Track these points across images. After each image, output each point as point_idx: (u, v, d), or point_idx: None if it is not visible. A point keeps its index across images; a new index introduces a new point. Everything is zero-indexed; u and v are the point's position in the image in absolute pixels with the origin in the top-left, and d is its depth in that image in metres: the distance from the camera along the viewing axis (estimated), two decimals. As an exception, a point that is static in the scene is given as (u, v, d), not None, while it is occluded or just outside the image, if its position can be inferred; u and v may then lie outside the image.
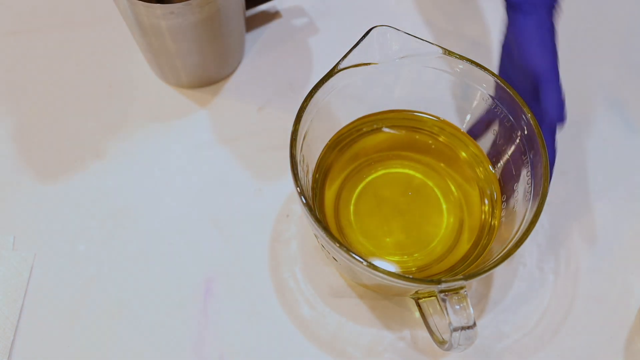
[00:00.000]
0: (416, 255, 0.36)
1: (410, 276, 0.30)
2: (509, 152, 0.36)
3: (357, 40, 0.34)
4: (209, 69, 0.42)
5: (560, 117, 0.35)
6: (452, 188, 0.38)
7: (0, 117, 0.43)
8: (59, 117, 0.43)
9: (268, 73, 0.44)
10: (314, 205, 0.35)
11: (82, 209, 0.40)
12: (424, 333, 0.36)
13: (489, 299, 0.38)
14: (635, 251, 0.39)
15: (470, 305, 0.30)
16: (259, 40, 0.46)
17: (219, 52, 0.41)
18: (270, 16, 0.47)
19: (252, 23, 0.46)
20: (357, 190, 0.37)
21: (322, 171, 0.37)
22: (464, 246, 0.36)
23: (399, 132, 0.39)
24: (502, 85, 0.34)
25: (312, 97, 0.33)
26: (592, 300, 0.38)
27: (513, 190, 0.35)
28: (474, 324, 0.30)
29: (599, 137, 0.43)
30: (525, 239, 0.31)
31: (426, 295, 0.33)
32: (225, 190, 0.40)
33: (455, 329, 0.29)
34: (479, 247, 0.35)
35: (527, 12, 0.35)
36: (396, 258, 0.36)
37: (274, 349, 0.36)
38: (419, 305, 0.34)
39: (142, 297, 0.37)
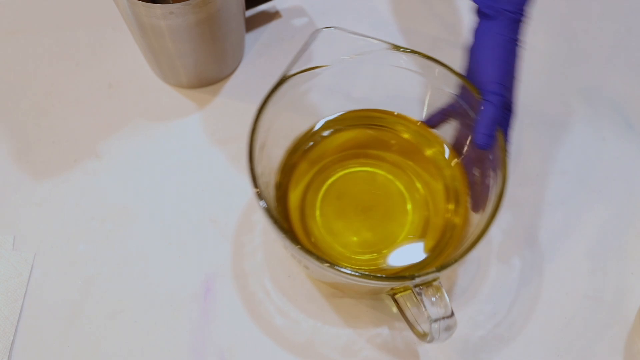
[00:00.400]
0: (384, 252, 0.36)
1: (383, 275, 0.30)
2: (469, 145, 0.36)
3: (302, 45, 0.33)
4: (208, 69, 0.42)
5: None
6: (417, 184, 0.38)
7: (0, 117, 0.43)
8: (59, 117, 0.43)
9: (268, 73, 0.44)
10: (277, 210, 0.35)
11: (82, 209, 0.40)
12: (400, 327, 0.36)
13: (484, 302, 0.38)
14: (635, 251, 0.39)
15: (445, 295, 0.30)
16: (259, 40, 0.46)
17: (219, 52, 0.41)
18: (270, 16, 0.47)
19: (252, 23, 0.46)
20: (322, 192, 0.37)
21: (286, 174, 0.37)
22: (430, 241, 0.36)
23: (361, 131, 0.39)
24: (455, 76, 0.34)
25: (264, 107, 0.32)
26: (591, 301, 0.38)
27: (476, 182, 0.35)
28: (452, 314, 0.30)
29: (599, 137, 0.43)
30: (488, 228, 0.31)
31: (402, 290, 0.33)
32: (225, 190, 0.40)
33: (435, 320, 0.30)
34: (444, 240, 0.35)
35: (489, 17, 0.34)
36: (365, 257, 0.36)
37: (272, 347, 0.36)
38: (395, 301, 0.34)
39: (142, 296, 0.37)
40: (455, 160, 0.37)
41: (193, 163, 0.41)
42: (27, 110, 0.43)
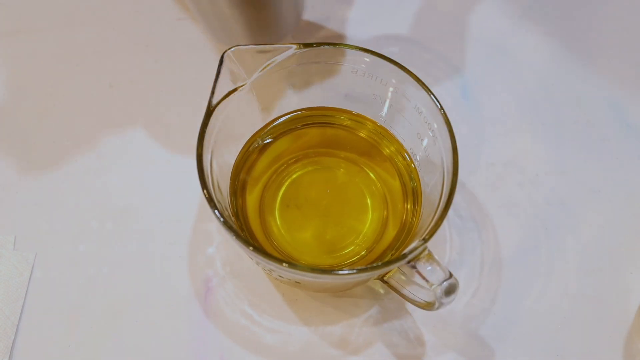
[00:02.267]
0: (350, 248, 0.36)
1: (379, 263, 0.30)
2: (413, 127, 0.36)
3: (216, 72, 0.33)
4: (266, 32, 0.40)
5: None
6: (376, 182, 0.38)
7: (0, 117, 0.43)
8: (59, 117, 0.43)
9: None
10: (235, 215, 0.35)
11: (82, 209, 0.40)
12: (389, 304, 0.37)
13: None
14: (635, 251, 0.39)
15: (437, 260, 0.30)
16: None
17: (277, 14, 0.40)
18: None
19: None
20: (280, 193, 0.37)
21: (241, 178, 0.37)
22: (391, 232, 0.36)
23: (316, 130, 0.39)
24: (381, 59, 0.34)
25: (202, 142, 0.32)
26: (591, 300, 0.38)
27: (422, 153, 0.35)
28: (451, 274, 0.30)
29: (599, 137, 0.43)
30: (456, 180, 0.31)
31: (392, 272, 0.33)
32: (225, 190, 0.40)
33: (439, 285, 0.30)
34: (404, 234, 0.36)
35: None
36: (331, 256, 0.36)
37: (273, 347, 0.36)
38: (386, 283, 0.34)
39: (142, 296, 0.37)
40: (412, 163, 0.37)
41: (193, 163, 0.41)
42: (28, 110, 0.43)
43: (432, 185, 0.35)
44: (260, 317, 0.37)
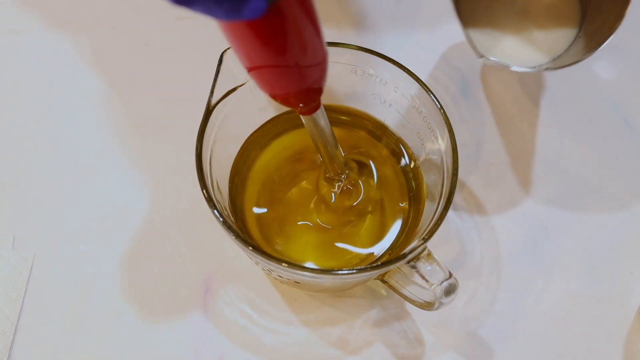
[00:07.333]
0: (350, 255, 0.36)
1: (379, 263, 0.30)
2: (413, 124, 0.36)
3: (215, 71, 0.32)
4: None
5: None
6: (374, 179, 0.37)
7: (0, 117, 0.43)
8: (59, 116, 0.43)
9: None
10: (234, 218, 0.35)
11: (82, 209, 0.40)
12: (389, 304, 0.37)
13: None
14: (635, 251, 0.39)
15: (437, 259, 0.30)
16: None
17: None
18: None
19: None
20: (279, 195, 0.37)
21: (239, 177, 0.37)
22: (392, 233, 0.36)
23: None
24: (388, 61, 0.34)
25: (202, 141, 0.32)
26: (591, 300, 0.38)
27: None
28: (450, 274, 0.30)
29: (599, 137, 0.43)
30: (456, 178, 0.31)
31: (389, 272, 0.33)
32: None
33: (439, 285, 0.30)
34: (404, 231, 0.36)
35: None
36: (333, 263, 0.36)
37: (273, 347, 0.36)
38: (386, 283, 0.34)
39: (141, 296, 0.37)
40: (414, 162, 0.37)
41: (192, 163, 0.41)
42: (27, 110, 0.43)
43: (432, 185, 0.35)
44: (260, 317, 0.37)
